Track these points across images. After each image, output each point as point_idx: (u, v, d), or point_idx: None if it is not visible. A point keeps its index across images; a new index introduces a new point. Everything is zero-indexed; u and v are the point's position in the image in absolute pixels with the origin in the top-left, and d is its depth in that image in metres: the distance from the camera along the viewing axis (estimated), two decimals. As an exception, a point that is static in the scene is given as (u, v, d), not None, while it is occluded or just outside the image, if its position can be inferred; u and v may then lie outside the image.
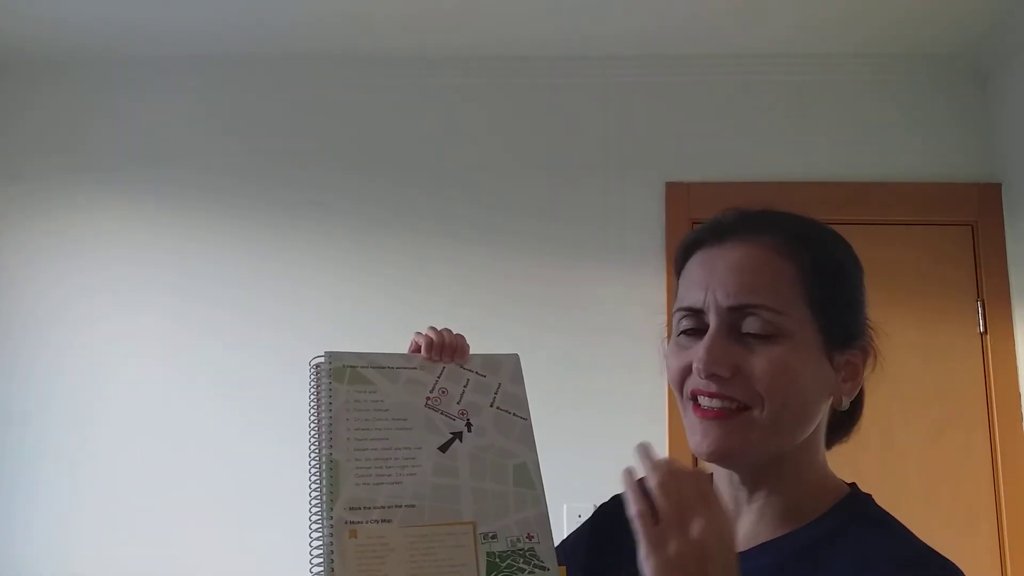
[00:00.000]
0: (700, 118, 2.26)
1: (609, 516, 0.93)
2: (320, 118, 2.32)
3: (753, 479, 0.78)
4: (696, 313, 0.76)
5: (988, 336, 2.07)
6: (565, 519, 1.85)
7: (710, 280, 0.76)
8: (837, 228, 0.82)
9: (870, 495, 0.79)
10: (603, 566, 0.88)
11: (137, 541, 2.08)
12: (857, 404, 0.81)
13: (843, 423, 0.82)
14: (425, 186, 2.25)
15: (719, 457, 0.74)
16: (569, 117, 2.28)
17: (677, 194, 2.19)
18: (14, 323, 2.23)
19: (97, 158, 2.31)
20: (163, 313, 2.21)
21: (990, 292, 2.08)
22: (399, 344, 0.93)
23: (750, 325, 0.73)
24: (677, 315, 0.79)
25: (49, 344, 2.21)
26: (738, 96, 2.26)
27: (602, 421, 2.06)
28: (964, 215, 2.15)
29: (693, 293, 0.77)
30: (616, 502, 0.94)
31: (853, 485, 0.80)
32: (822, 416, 0.78)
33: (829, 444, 0.82)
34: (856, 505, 0.77)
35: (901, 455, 2.03)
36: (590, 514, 0.96)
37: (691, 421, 0.76)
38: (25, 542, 2.10)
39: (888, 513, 0.77)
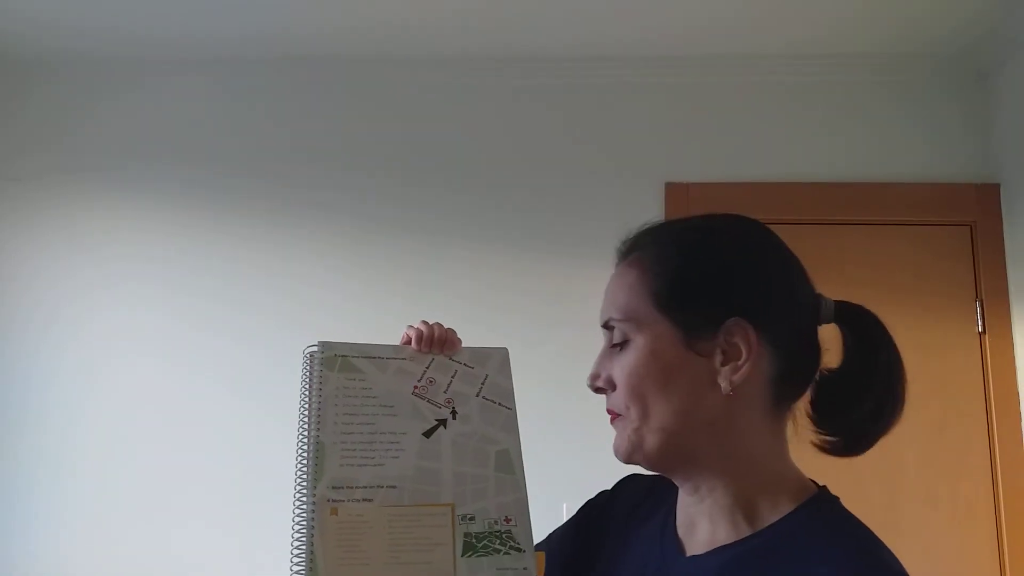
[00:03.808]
0: (700, 118, 2.26)
1: (596, 511, 0.95)
2: (320, 118, 2.32)
3: (683, 479, 0.79)
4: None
5: (987, 336, 2.07)
6: (565, 518, 1.85)
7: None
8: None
9: (837, 498, 0.74)
10: (583, 559, 0.90)
11: (136, 537, 2.09)
12: (807, 367, 0.76)
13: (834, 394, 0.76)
14: (425, 186, 2.26)
15: (620, 458, 0.80)
16: (569, 117, 2.28)
17: (677, 194, 2.19)
18: (14, 322, 2.23)
19: (95, 158, 2.31)
20: (162, 311, 2.22)
21: (989, 292, 2.09)
22: (399, 340, 0.94)
23: (614, 337, 0.80)
24: None
25: (48, 342, 2.21)
26: (738, 96, 2.26)
27: (604, 419, 2.06)
28: (963, 215, 2.15)
29: None
30: (602, 496, 0.97)
31: (823, 488, 0.76)
32: (734, 409, 0.73)
33: (830, 426, 0.76)
34: (819, 511, 0.72)
35: (900, 455, 2.03)
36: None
37: None
38: (22, 540, 2.11)
39: (857, 521, 0.71)
